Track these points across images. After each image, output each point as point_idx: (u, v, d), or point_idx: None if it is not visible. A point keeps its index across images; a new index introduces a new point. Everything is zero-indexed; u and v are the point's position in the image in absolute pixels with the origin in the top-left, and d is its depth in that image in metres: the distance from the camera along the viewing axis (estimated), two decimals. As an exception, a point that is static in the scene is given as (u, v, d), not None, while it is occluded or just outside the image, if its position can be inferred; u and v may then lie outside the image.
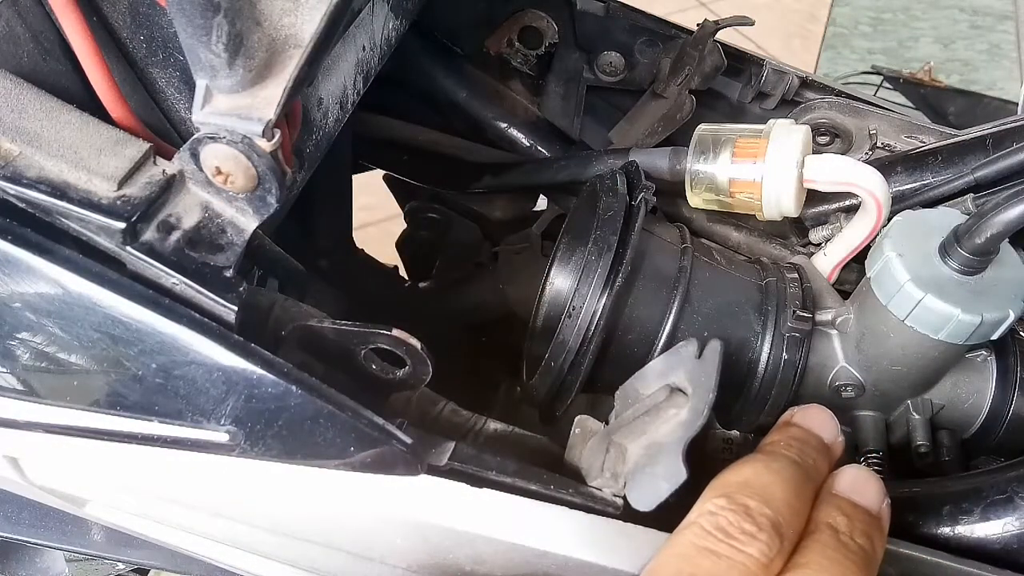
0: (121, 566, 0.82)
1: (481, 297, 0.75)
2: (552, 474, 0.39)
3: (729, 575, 0.32)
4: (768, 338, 0.49)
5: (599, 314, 0.47)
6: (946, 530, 0.42)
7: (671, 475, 0.36)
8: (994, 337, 0.45)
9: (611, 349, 0.49)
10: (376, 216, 1.21)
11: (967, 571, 0.40)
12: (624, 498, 0.38)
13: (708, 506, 0.34)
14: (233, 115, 0.35)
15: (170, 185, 0.38)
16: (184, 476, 0.44)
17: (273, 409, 0.37)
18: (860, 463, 0.51)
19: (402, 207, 0.84)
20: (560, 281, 0.50)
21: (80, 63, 0.39)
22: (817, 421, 0.39)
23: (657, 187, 0.52)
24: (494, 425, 0.45)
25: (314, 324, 0.39)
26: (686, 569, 0.32)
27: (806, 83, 0.68)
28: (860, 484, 0.37)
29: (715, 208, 0.56)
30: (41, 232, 0.36)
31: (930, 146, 0.59)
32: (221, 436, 0.38)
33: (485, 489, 0.39)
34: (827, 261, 0.54)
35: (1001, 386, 0.50)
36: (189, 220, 0.38)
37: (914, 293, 0.44)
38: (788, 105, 0.69)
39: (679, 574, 0.32)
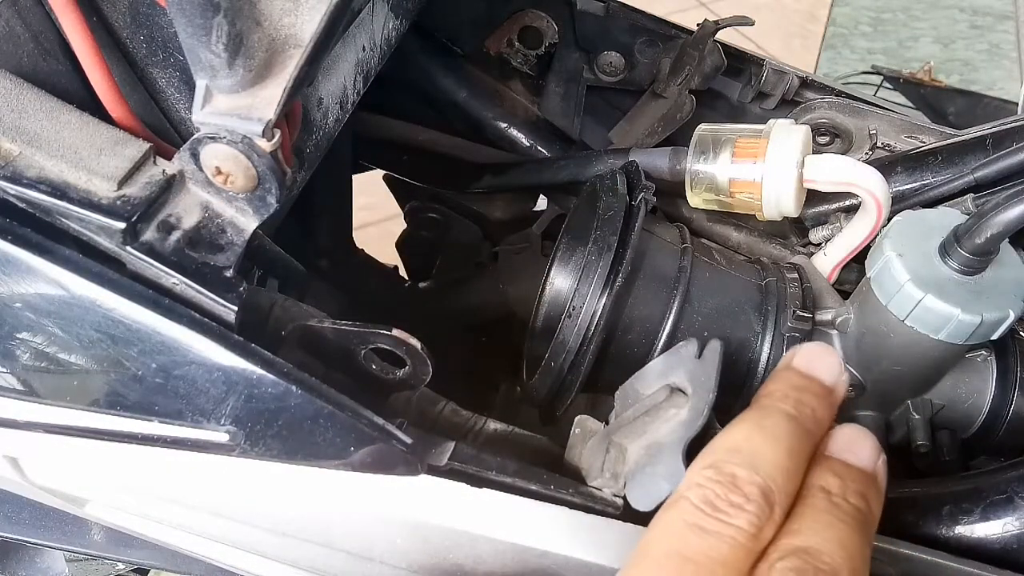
0: (121, 566, 0.82)
1: (481, 297, 0.75)
2: (552, 474, 0.39)
3: (718, 551, 0.31)
4: (768, 338, 0.49)
5: (599, 314, 0.47)
6: (946, 530, 0.42)
7: (671, 475, 0.36)
8: (994, 337, 0.45)
9: (611, 349, 0.49)
10: (376, 216, 1.21)
11: (967, 571, 0.40)
12: (624, 498, 0.38)
13: (696, 478, 0.33)
14: (233, 115, 0.35)
15: (170, 185, 0.38)
16: (184, 476, 0.44)
17: (273, 409, 0.37)
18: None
19: (402, 207, 0.84)
20: (560, 281, 0.50)
21: (80, 63, 0.39)
22: (817, 362, 0.37)
23: (657, 187, 0.52)
24: (494, 425, 0.45)
25: (314, 324, 0.39)
26: (675, 546, 0.31)
27: (806, 83, 0.68)
28: (853, 443, 0.35)
29: (715, 208, 0.56)
30: (41, 232, 0.36)
31: (930, 146, 0.59)
32: (221, 436, 0.38)
33: (485, 489, 0.39)
34: (827, 261, 0.54)
35: (1001, 386, 0.50)
36: (189, 220, 0.38)
37: (914, 293, 0.44)
38: (788, 105, 0.69)
39: (667, 553, 0.32)
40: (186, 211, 0.38)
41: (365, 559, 0.46)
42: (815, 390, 0.36)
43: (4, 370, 0.40)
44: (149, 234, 0.37)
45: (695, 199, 0.56)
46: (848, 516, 0.33)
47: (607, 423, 0.40)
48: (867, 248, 0.51)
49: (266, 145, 0.35)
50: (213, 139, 0.36)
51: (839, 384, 0.37)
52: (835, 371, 0.37)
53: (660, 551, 0.32)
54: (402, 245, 0.86)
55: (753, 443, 0.34)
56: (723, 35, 0.68)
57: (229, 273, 0.37)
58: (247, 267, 0.41)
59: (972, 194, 0.53)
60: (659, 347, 0.49)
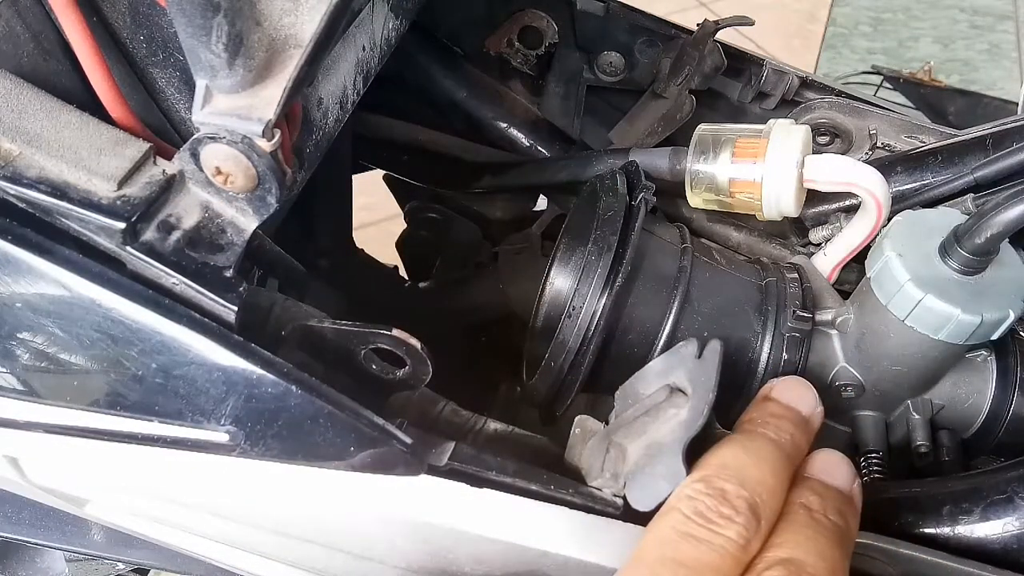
0: (121, 566, 0.82)
1: (481, 297, 0.75)
2: (552, 474, 0.39)
3: (709, 558, 0.33)
4: (768, 338, 0.49)
5: (599, 314, 0.47)
6: (946, 530, 0.42)
7: (671, 475, 0.36)
8: (994, 337, 0.45)
9: (611, 349, 0.49)
10: (376, 216, 1.21)
11: (967, 571, 0.40)
12: (624, 498, 0.38)
13: (687, 491, 0.34)
14: (233, 115, 0.35)
15: (170, 185, 0.38)
16: (184, 476, 0.44)
17: (273, 409, 0.37)
18: (860, 463, 0.51)
19: (402, 207, 0.84)
20: (560, 281, 0.50)
21: (80, 63, 0.39)
22: (794, 394, 0.40)
23: (657, 187, 0.52)
24: (494, 425, 0.45)
25: (314, 324, 0.39)
26: (668, 554, 0.33)
27: (806, 83, 0.68)
28: (831, 466, 0.38)
29: (715, 208, 0.56)
30: (41, 232, 0.36)
31: (930, 146, 0.59)
32: (221, 436, 0.38)
33: (485, 489, 0.39)
34: (827, 261, 0.54)
35: (1001, 386, 0.50)
36: (189, 220, 0.38)
37: (914, 293, 0.44)
38: (788, 105, 0.69)
39: (661, 559, 0.33)
40: (186, 211, 0.38)
41: (365, 559, 0.46)
42: (792, 419, 0.39)
43: (4, 370, 0.40)
44: (149, 234, 0.37)
45: (695, 199, 0.56)
46: (828, 531, 0.34)
47: (607, 423, 0.40)
48: (867, 248, 0.51)
49: (266, 145, 0.35)
50: (213, 139, 0.36)
51: (814, 415, 0.39)
52: (810, 403, 0.40)
53: (654, 557, 0.33)
54: (402, 245, 0.86)
55: (740, 461, 0.35)
56: (723, 35, 0.68)
57: (229, 273, 0.37)
58: (247, 267, 0.41)
59: (972, 194, 0.53)
60: (659, 347, 0.49)
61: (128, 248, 0.36)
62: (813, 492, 0.36)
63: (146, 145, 0.38)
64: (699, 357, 0.38)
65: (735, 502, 0.34)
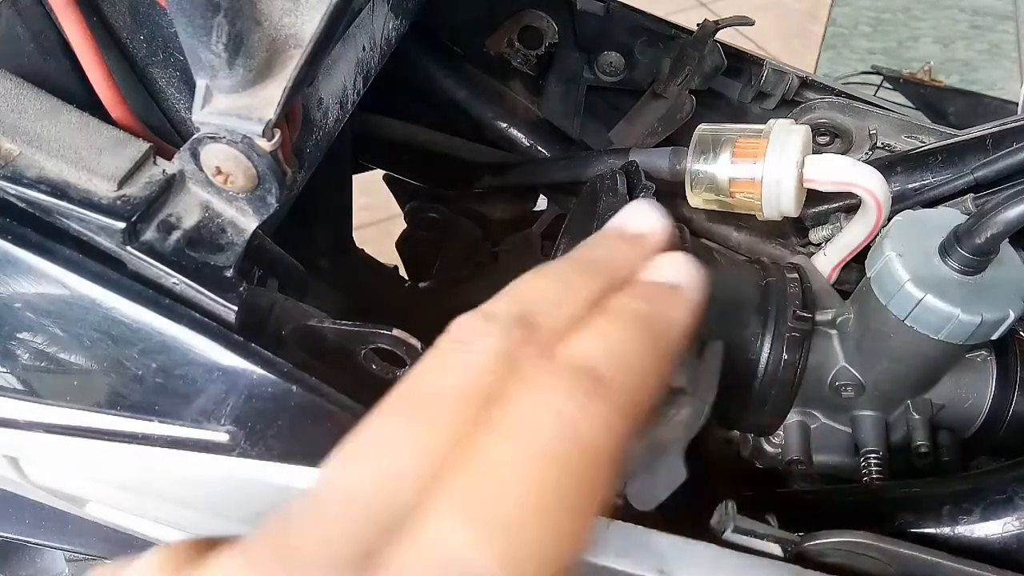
0: (121, 566, 0.82)
1: (481, 297, 0.74)
2: (552, 474, 0.39)
3: (451, 380, 0.24)
4: (768, 338, 0.49)
5: (599, 314, 0.47)
6: (946, 530, 0.42)
7: (671, 475, 0.36)
8: (994, 337, 0.45)
9: (611, 349, 0.49)
10: (376, 216, 1.21)
11: (967, 571, 0.40)
12: (624, 498, 0.38)
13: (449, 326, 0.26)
14: (233, 115, 0.35)
15: (170, 185, 0.38)
16: (184, 476, 0.44)
17: (273, 409, 0.37)
18: (860, 463, 0.51)
19: (402, 207, 0.84)
20: (560, 281, 0.50)
21: (80, 63, 0.39)
22: (631, 219, 0.30)
23: (657, 187, 0.52)
24: (494, 425, 0.45)
25: (314, 324, 0.39)
26: (404, 391, 0.25)
27: (806, 83, 0.68)
28: (660, 266, 0.28)
29: (715, 208, 0.56)
30: (41, 232, 0.36)
31: (930, 146, 0.59)
32: (221, 436, 0.38)
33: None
34: (827, 261, 0.54)
35: (1001, 386, 0.50)
36: (189, 220, 0.38)
37: (914, 293, 0.44)
38: (788, 105, 0.69)
39: (392, 411, 0.25)
40: (186, 211, 0.38)
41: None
42: (614, 235, 0.30)
43: (4, 370, 0.40)
44: (149, 234, 0.37)
45: (695, 199, 0.56)
46: (627, 321, 0.26)
47: (607, 423, 0.40)
48: (867, 248, 0.51)
49: (266, 145, 0.35)
50: (213, 139, 0.36)
51: (654, 231, 0.30)
52: (645, 221, 0.30)
53: (386, 405, 0.25)
54: (402, 245, 0.86)
55: (521, 281, 0.28)
56: (723, 35, 0.68)
57: (229, 273, 0.37)
58: (247, 267, 0.41)
59: (972, 194, 0.53)
60: (659, 347, 0.49)
61: (128, 248, 0.36)
62: (623, 293, 0.27)
63: (146, 145, 0.38)
64: (699, 357, 0.38)
65: (497, 314, 0.26)
